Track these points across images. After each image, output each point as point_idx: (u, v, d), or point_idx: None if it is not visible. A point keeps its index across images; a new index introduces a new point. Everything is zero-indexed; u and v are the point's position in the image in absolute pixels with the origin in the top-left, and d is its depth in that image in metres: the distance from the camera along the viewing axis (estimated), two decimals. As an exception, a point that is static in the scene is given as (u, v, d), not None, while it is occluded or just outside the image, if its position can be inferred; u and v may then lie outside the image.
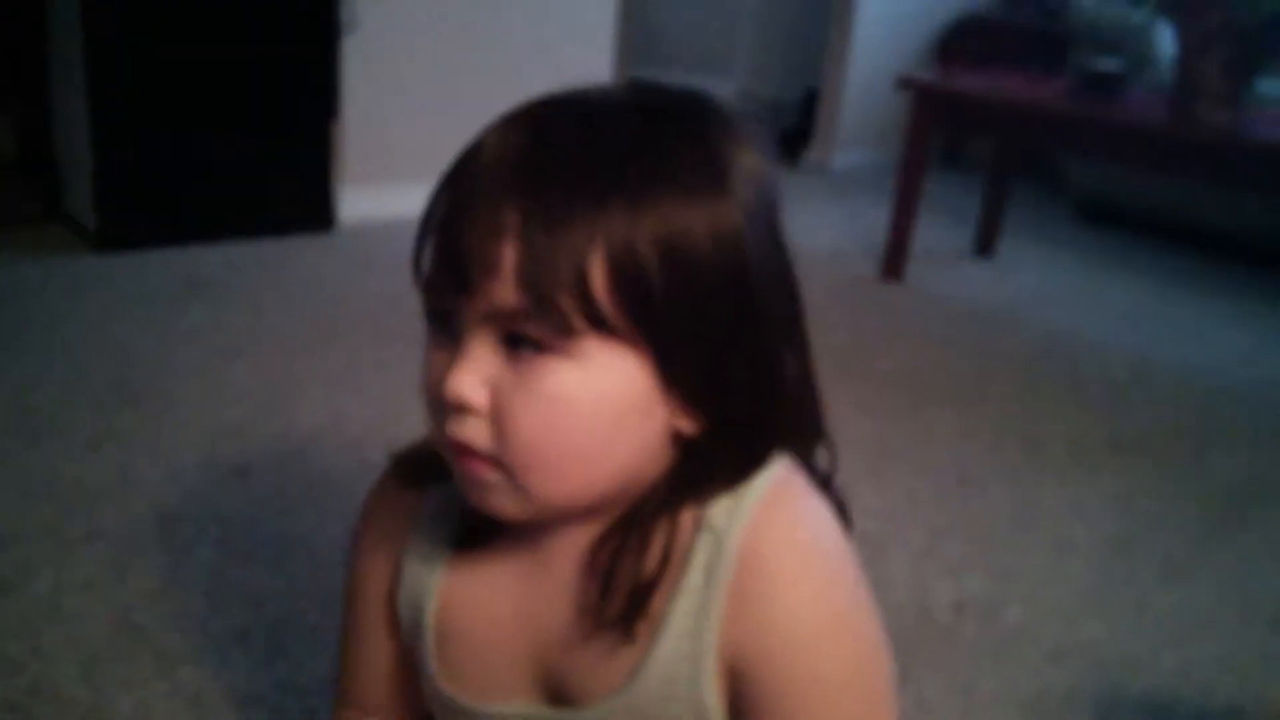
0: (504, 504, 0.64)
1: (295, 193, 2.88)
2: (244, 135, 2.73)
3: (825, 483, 0.72)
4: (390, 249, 2.77)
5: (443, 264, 0.61)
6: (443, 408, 0.62)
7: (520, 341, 0.60)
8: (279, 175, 2.82)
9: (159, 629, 1.28)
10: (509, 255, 0.58)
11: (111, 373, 1.95)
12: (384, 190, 3.03)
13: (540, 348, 0.59)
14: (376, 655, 0.81)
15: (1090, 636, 1.45)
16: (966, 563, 1.60)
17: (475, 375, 0.61)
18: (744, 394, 0.64)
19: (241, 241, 2.74)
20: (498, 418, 0.61)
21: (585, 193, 0.58)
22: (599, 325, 0.59)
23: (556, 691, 0.71)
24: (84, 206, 2.63)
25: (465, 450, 0.63)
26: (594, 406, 0.60)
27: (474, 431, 0.61)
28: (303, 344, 2.17)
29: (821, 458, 0.72)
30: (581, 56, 3.31)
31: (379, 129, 3.01)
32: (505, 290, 0.58)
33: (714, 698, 0.66)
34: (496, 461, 0.62)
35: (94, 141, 2.51)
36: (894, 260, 3.00)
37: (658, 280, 0.59)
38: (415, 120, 3.04)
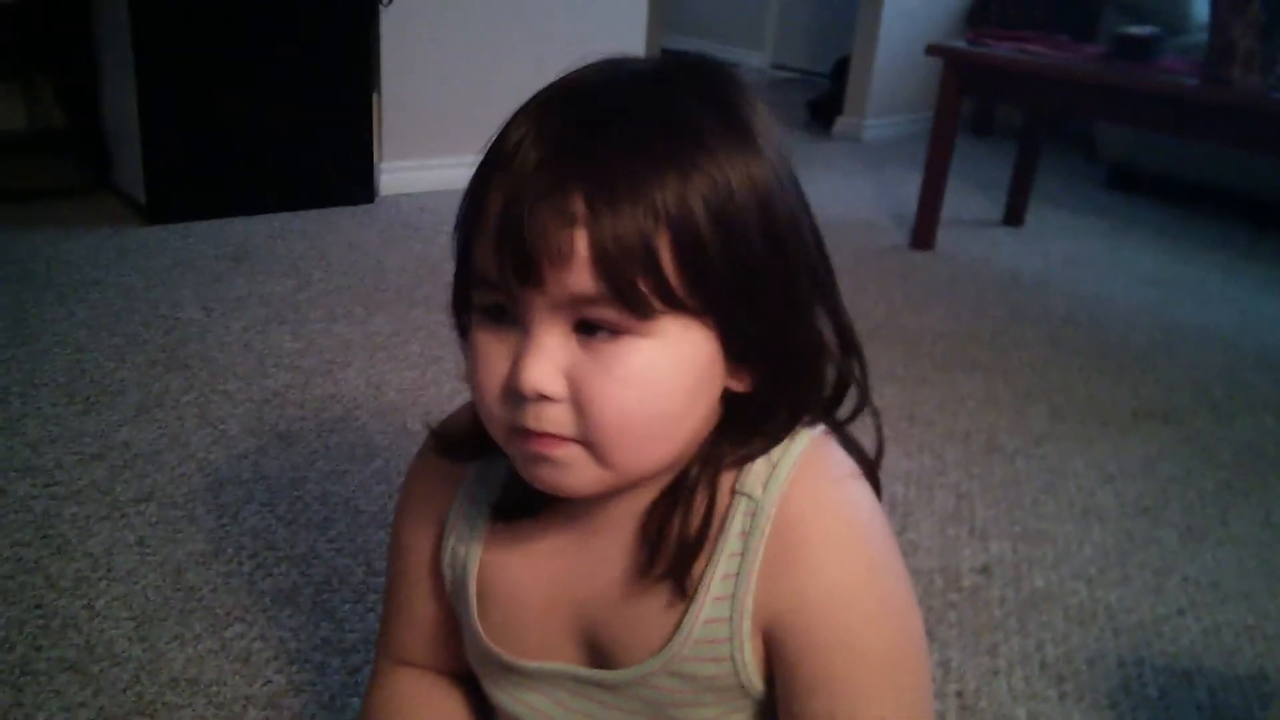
0: (581, 481, 0.63)
1: (337, 165, 2.90)
2: (287, 109, 2.76)
3: (858, 449, 0.73)
4: (430, 219, 2.81)
5: (507, 258, 0.59)
6: (513, 400, 0.62)
7: (594, 327, 0.60)
8: (322, 148, 2.85)
9: (209, 588, 1.32)
10: (580, 243, 0.57)
11: (160, 341, 1.99)
12: (422, 162, 3.05)
13: (615, 331, 0.59)
14: (419, 612, 0.82)
15: (1115, 600, 1.47)
16: (993, 527, 1.62)
17: (551, 365, 0.60)
18: (792, 342, 0.65)
19: (286, 213, 2.78)
20: (579, 402, 0.60)
21: (642, 171, 0.58)
22: (671, 302, 0.59)
23: (596, 653, 0.73)
24: (133, 179, 2.67)
25: (544, 435, 0.62)
26: (673, 380, 0.61)
27: (554, 420, 0.61)
28: (345, 312, 2.20)
29: (858, 420, 0.73)
30: (615, 28, 3.31)
31: (417, 102, 3.02)
32: (581, 278, 0.58)
33: (750, 660, 0.67)
34: (578, 440, 0.62)
35: (142, 115, 2.55)
36: (924, 229, 3.00)
37: (713, 242, 0.59)
38: (452, 93, 3.05)
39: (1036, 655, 1.34)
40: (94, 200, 2.76)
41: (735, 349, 0.63)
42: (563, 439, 0.62)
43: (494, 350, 0.63)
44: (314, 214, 2.82)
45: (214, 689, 1.16)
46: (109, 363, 1.89)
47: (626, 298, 0.58)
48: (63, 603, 1.27)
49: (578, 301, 0.59)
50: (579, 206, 0.57)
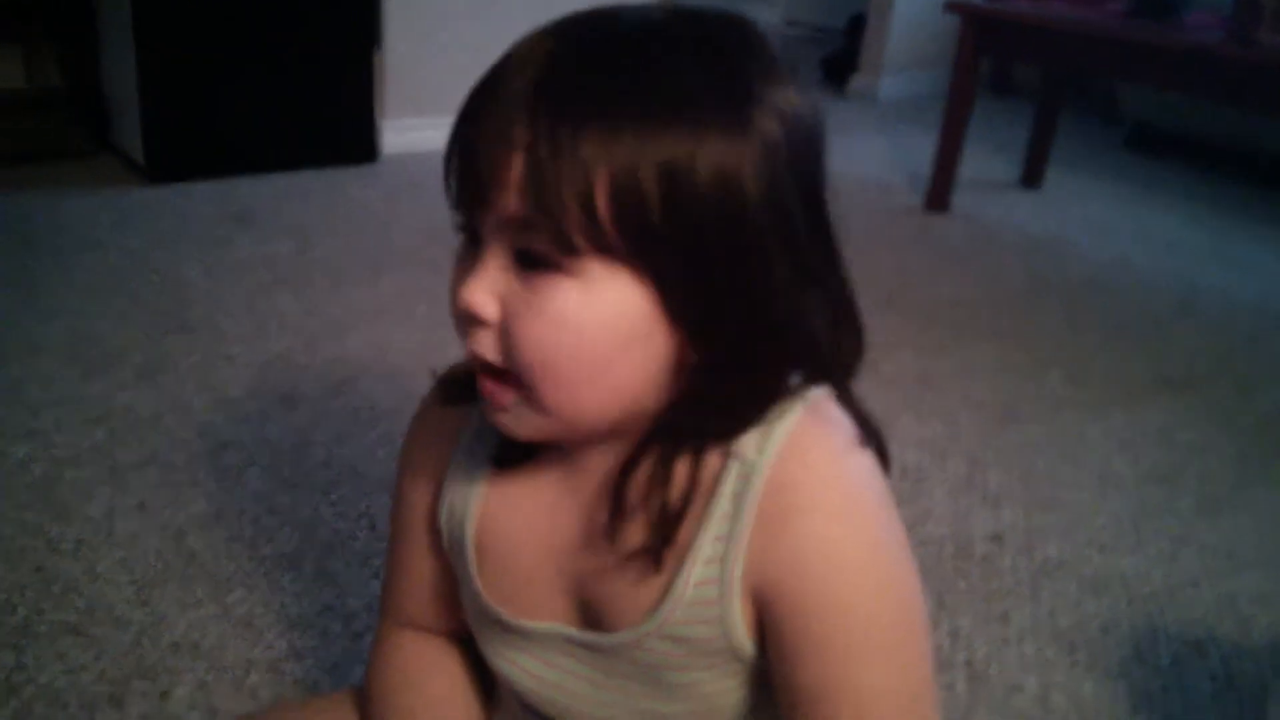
0: (521, 424, 0.65)
1: (339, 124, 2.88)
2: (288, 67, 2.73)
3: (862, 417, 0.71)
4: (433, 181, 2.77)
5: (460, 174, 0.62)
6: (461, 321, 0.64)
7: (530, 259, 0.60)
8: (323, 107, 2.83)
9: (211, 553, 1.31)
10: (516, 166, 0.58)
11: (162, 303, 1.98)
12: (426, 122, 3.02)
13: (547, 266, 0.60)
14: (419, 571, 0.82)
15: (1129, 569, 1.46)
16: (1006, 495, 1.60)
17: (486, 286, 0.62)
18: (741, 331, 0.63)
19: (287, 173, 2.76)
20: (506, 331, 0.62)
21: (595, 116, 0.58)
22: (600, 246, 0.59)
23: (589, 613, 0.72)
24: (132, 139, 2.65)
25: (484, 368, 0.64)
26: (594, 326, 0.61)
27: (485, 344, 0.63)
28: (348, 274, 2.19)
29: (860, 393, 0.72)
30: (624, -17, 3.26)
31: (420, 60, 3.00)
32: (511, 200, 0.59)
33: (741, 625, 0.67)
34: (515, 380, 0.63)
35: (141, 75, 2.53)
36: (940, 190, 2.96)
37: (658, 211, 0.58)
38: (456, 51, 3.02)
39: (1048, 623, 1.33)
40: (94, 161, 2.75)
41: (678, 314, 0.62)
42: (501, 383, 0.64)
43: (459, 273, 0.65)
44: (317, 174, 2.80)
45: (216, 653, 1.16)
46: (110, 326, 1.88)
47: (551, 228, 0.58)
48: (64, 566, 1.27)
49: (512, 224, 0.60)
50: (522, 131, 0.58)
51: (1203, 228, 3.09)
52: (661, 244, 0.59)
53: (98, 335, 1.83)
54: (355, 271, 2.20)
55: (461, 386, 0.75)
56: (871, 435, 0.70)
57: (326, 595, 1.25)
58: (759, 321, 0.63)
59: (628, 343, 0.62)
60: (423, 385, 0.83)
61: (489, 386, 0.65)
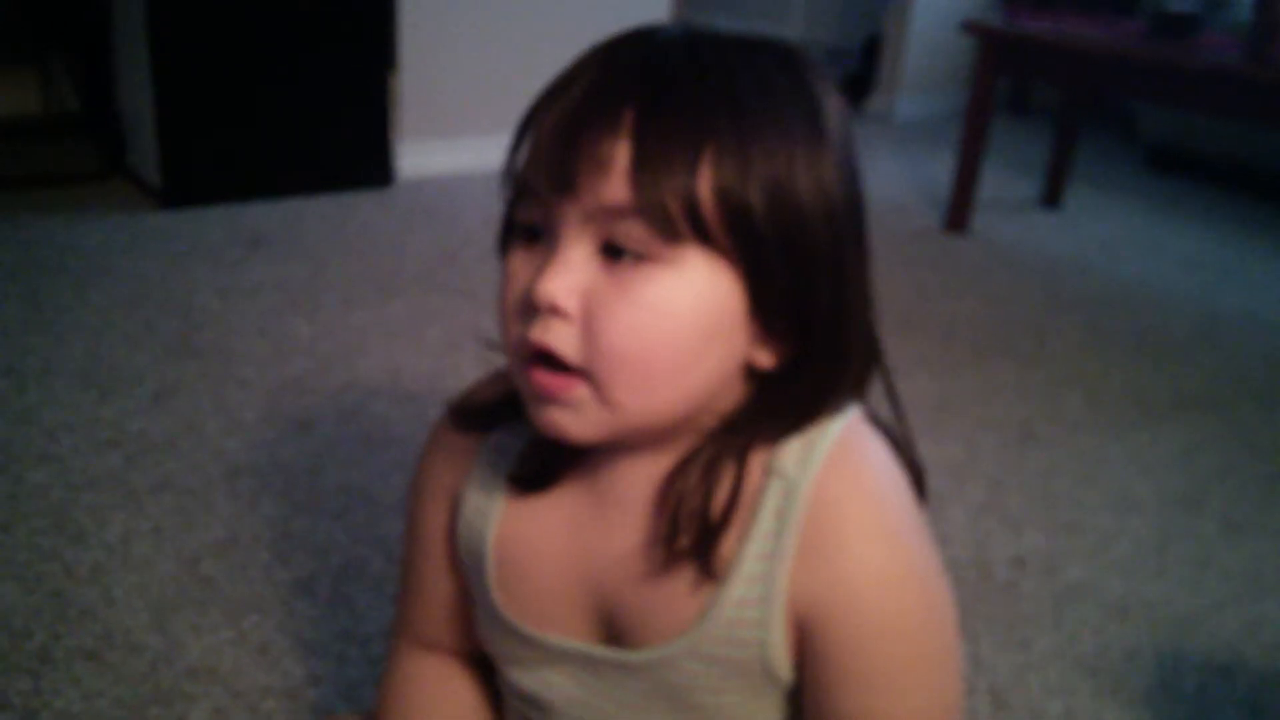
0: (585, 424, 0.63)
1: (354, 148, 2.88)
2: (303, 91, 2.74)
3: (896, 441, 0.72)
4: (448, 204, 2.79)
5: (549, 163, 0.60)
6: (527, 315, 0.62)
7: (619, 251, 0.60)
8: (338, 130, 2.83)
9: (226, 578, 1.31)
10: (621, 153, 0.58)
11: (176, 327, 1.98)
12: (441, 145, 3.03)
13: (638, 256, 0.59)
14: (435, 588, 0.82)
15: (1152, 594, 1.44)
16: (1027, 518, 1.59)
17: (569, 278, 0.60)
18: (823, 330, 0.64)
19: (302, 197, 2.77)
20: (590, 324, 0.60)
21: (700, 105, 0.59)
22: (701, 234, 0.59)
23: (615, 631, 0.71)
24: (148, 163, 2.67)
25: (548, 361, 0.62)
26: (688, 317, 0.60)
27: (560, 337, 0.61)
28: (363, 298, 2.19)
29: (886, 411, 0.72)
30: (639, 4, 3.27)
31: (436, 84, 3.00)
32: (615, 188, 0.58)
33: (781, 645, 0.66)
34: (583, 375, 0.61)
35: (156, 99, 2.54)
36: (958, 211, 2.95)
37: (758, 204, 0.59)
38: (472, 75, 3.03)
39: (1071, 649, 1.31)
40: (109, 185, 2.76)
41: (764, 315, 0.62)
42: (567, 375, 0.61)
43: (520, 267, 0.63)
44: (331, 198, 2.80)
45: (232, 679, 1.15)
46: (124, 350, 1.88)
47: (656, 215, 0.58)
48: (80, 591, 1.27)
49: (609, 214, 0.59)
50: (628, 120, 0.59)
51: (1222, 247, 3.07)
52: (760, 238, 0.60)
53: (112, 359, 1.84)
54: (368, 295, 2.20)
55: (477, 415, 0.75)
56: (907, 455, 0.72)
57: (342, 620, 1.25)
58: (842, 322, 0.64)
59: (713, 336, 0.62)
60: (436, 409, 0.82)
61: (548, 379, 0.62)
